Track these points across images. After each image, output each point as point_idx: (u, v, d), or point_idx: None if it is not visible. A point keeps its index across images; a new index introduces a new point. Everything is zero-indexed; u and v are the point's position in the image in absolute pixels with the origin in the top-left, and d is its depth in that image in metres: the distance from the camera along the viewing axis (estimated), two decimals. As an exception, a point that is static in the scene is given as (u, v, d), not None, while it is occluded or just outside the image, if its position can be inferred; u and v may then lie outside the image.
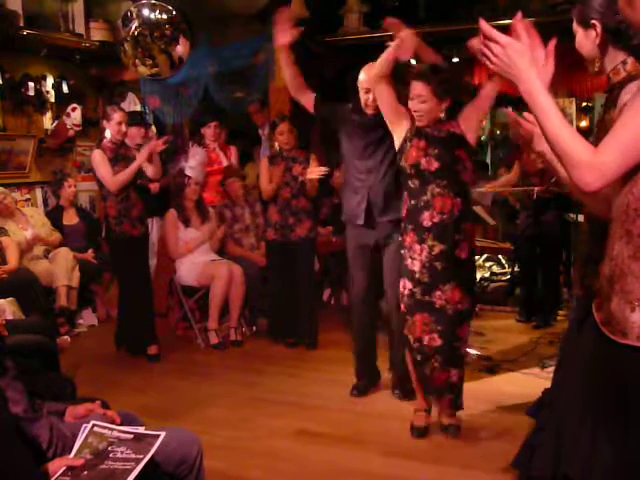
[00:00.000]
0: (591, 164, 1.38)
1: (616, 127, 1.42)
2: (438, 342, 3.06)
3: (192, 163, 5.26)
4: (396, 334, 3.67)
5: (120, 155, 4.46)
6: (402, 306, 3.16)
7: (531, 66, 1.42)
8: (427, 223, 3.01)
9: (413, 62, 6.28)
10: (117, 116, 4.41)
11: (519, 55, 1.42)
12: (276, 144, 4.93)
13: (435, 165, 3.01)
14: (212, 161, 5.56)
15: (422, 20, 5.67)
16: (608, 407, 1.53)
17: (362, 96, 3.60)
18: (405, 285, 3.11)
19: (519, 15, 1.46)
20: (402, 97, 3.20)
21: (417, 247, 3.04)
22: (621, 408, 1.50)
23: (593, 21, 1.88)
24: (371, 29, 5.83)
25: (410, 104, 3.05)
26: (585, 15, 1.91)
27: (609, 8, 1.83)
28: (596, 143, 1.69)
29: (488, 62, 1.47)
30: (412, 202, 3.08)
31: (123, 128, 4.43)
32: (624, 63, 1.88)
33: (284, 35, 3.50)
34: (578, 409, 1.62)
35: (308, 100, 3.80)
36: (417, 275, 3.05)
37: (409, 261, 3.08)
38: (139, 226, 4.55)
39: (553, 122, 1.42)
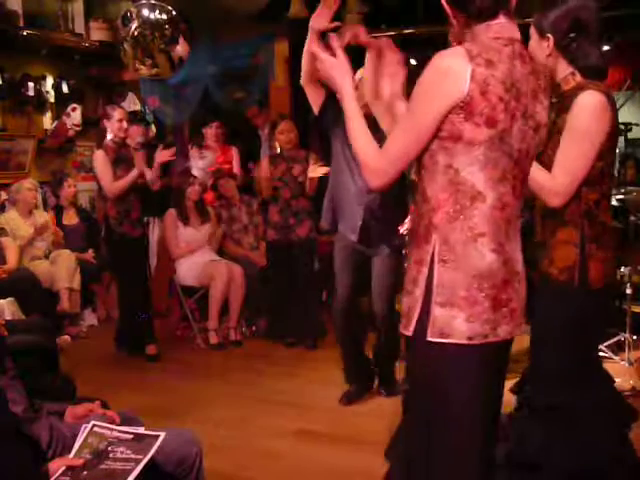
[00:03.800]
0: (373, 167, 1.58)
1: (390, 137, 1.60)
2: None
3: (201, 164, 5.27)
4: (384, 339, 3.69)
5: (122, 156, 4.48)
6: None
7: (345, 77, 1.69)
8: None
9: (413, 62, 6.27)
10: (117, 114, 4.43)
11: (333, 69, 1.71)
12: (277, 144, 4.93)
13: None
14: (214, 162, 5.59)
15: (421, 20, 5.67)
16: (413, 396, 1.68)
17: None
18: None
19: (361, 31, 1.86)
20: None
21: None
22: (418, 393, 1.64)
23: (548, 34, 2.11)
24: (371, 29, 5.82)
25: None
26: (542, 26, 2.12)
27: (561, 28, 2.08)
28: (548, 145, 2.03)
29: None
30: None
31: (124, 125, 4.46)
32: (573, 74, 2.12)
33: (320, 19, 2.85)
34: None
35: (317, 96, 3.39)
36: None
37: None
38: (138, 227, 4.58)
39: (355, 126, 1.64)
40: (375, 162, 1.58)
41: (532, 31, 2.15)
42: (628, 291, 4.05)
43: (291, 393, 3.88)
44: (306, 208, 4.78)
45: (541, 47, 2.12)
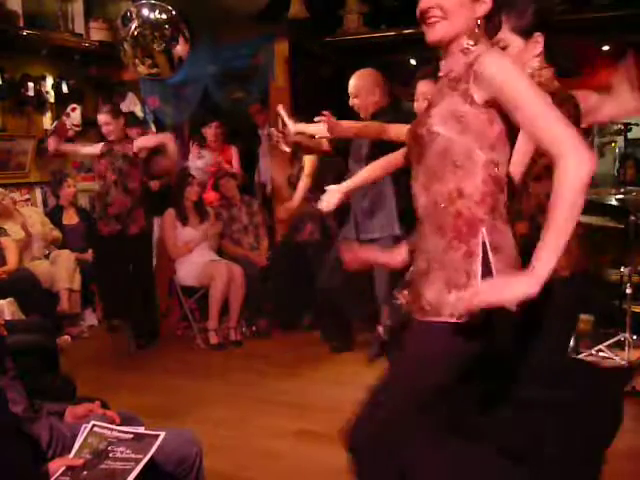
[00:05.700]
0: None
1: (546, 123, 1.46)
2: None
3: (199, 164, 5.26)
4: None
5: (109, 150, 4.65)
6: None
7: (510, 276, 1.51)
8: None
9: (412, 62, 6.25)
10: (100, 118, 4.65)
11: (493, 289, 1.46)
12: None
13: None
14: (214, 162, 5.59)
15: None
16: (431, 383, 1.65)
17: (350, 101, 3.67)
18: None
19: None
20: (402, 97, 3.20)
21: None
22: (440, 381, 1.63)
23: (537, 33, 1.98)
24: (371, 29, 5.83)
25: (415, 105, 3.04)
26: (522, 26, 1.97)
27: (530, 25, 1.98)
28: None
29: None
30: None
31: (110, 127, 4.62)
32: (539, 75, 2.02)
33: None
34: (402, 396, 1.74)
35: None
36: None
37: None
38: (113, 224, 4.64)
39: (569, 230, 1.41)
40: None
41: (508, 37, 1.96)
42: (628, 291, 4.05)
43: (291, 393, 3.88)
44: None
45: (532, 47, 1.98)
